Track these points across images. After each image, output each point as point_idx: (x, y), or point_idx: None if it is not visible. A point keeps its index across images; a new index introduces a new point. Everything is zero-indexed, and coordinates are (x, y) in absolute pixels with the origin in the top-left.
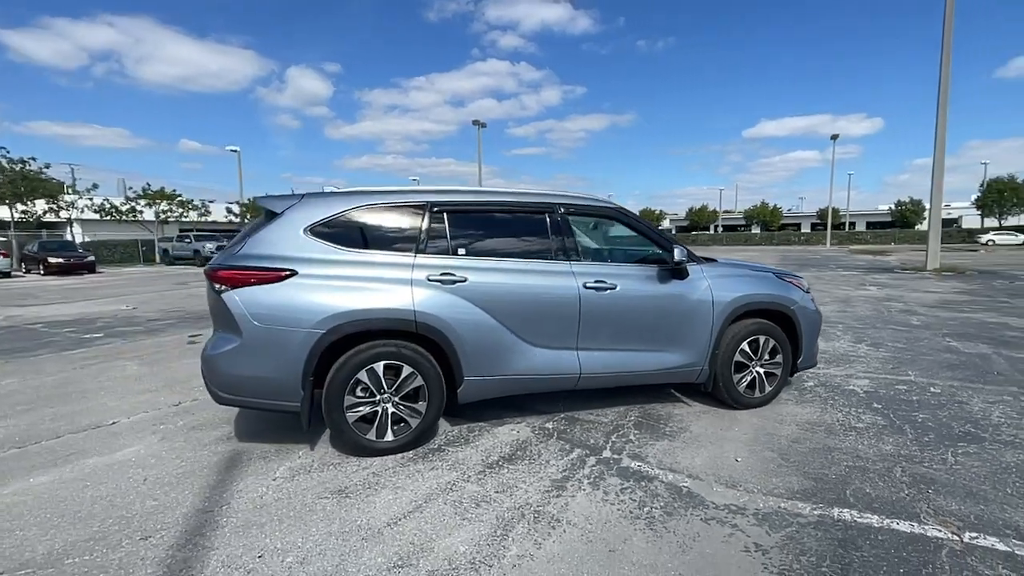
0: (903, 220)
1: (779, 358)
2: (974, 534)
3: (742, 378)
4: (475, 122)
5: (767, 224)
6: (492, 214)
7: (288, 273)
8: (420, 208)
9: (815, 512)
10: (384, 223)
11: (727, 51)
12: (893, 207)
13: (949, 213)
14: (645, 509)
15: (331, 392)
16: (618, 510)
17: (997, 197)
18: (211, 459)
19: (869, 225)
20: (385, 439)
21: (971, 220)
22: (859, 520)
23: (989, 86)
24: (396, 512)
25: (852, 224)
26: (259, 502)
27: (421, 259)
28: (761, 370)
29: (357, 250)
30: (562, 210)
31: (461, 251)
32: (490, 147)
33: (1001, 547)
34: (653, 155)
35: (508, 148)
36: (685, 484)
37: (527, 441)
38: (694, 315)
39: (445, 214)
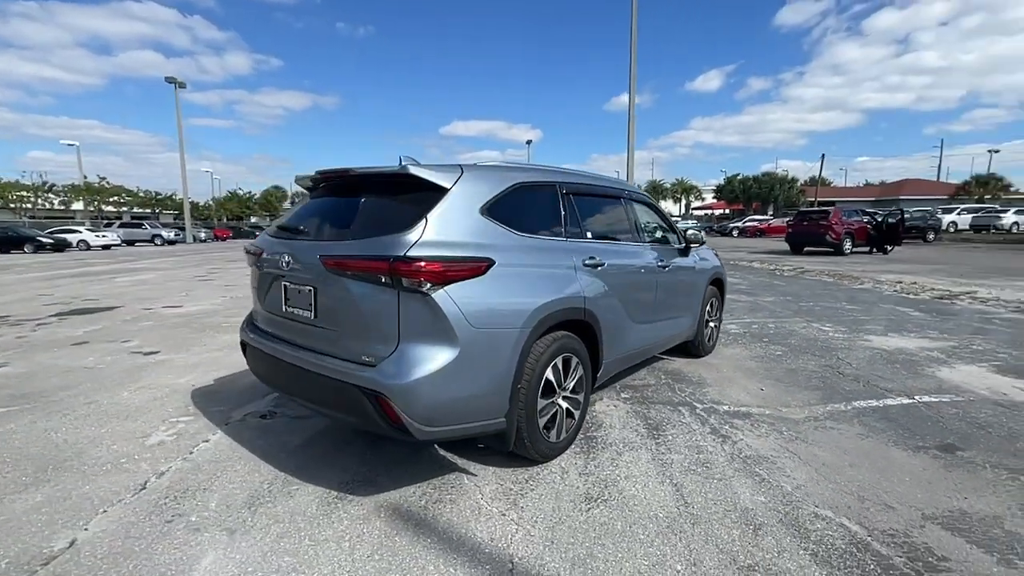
0: None
1: (718, 313)
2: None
3: (708, 332)
4: (169, 79)
5: None
6: (596, 197)
7: (488, 263)
8: (556, 189)
9: (811, 394)
10: (535, 204)
11: (424, 49)
12: None
13: None
14: (740, 423)
15: (529, 396)
16: (748, 431)
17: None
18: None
19: None
20: (560, 438)
21: None
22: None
23: (603, 114)
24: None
25: None
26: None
27: (570, 243)
28: (712, 324)
29: (525, 234)
30: (626, 194)
31: (588, 234)
32: (155, 111)
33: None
34: (361, 142)
35: (185, 116)
36: (745, 408)
37: (632, 411)
38: (695, 285)
39: (572, 196)
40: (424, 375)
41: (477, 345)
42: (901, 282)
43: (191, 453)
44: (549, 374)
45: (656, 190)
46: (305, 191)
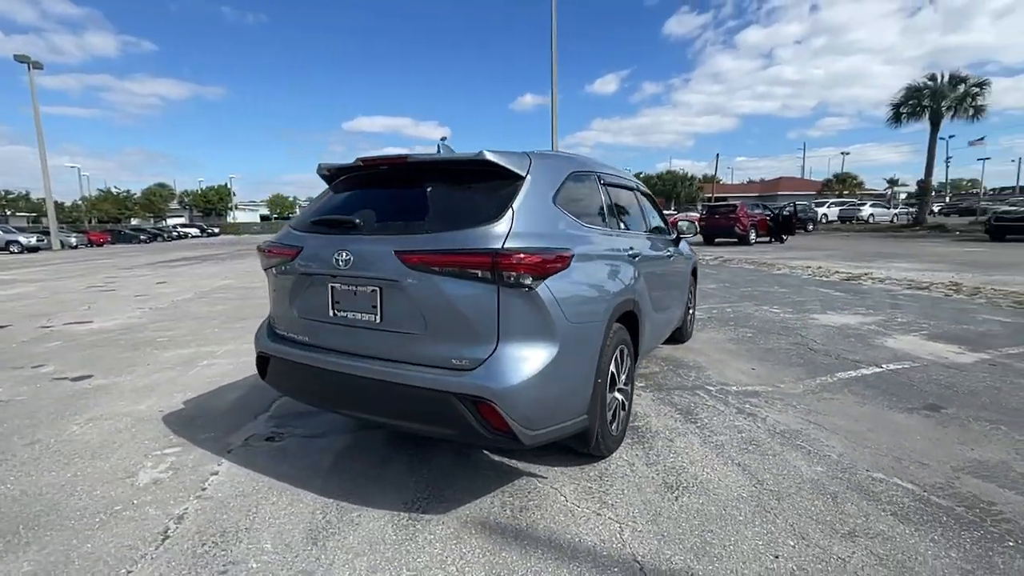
0: None
1: (694, 300)
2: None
3: (690, 318)
4: (20, 58)
5: None
6: (620, 188)
7: (571, 255)
8: (596, 179)
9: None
10: (586, 193)
11: (322, 42)
12: None
13: None
14: (751, 400)
15: (604, 391)
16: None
17: None
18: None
19: None
20: (619, 431)
21: None
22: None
23: (510, 113)
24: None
25: None
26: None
27: (617, 234)
28: (692, 310)
29: (584, 224)
30: (635, 185)
31: (622, 225)
32: None
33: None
34: (255, 138)
35: (30, 103)
36: (751, 387)
37: (656, 399)
38: (685, 274)
39: (607, 187)
40: (531, 375)
41: (571, 340)
42: (810, 267)
43: (203, 489)
44: (612, 367)
45: None
46: (326, 178)
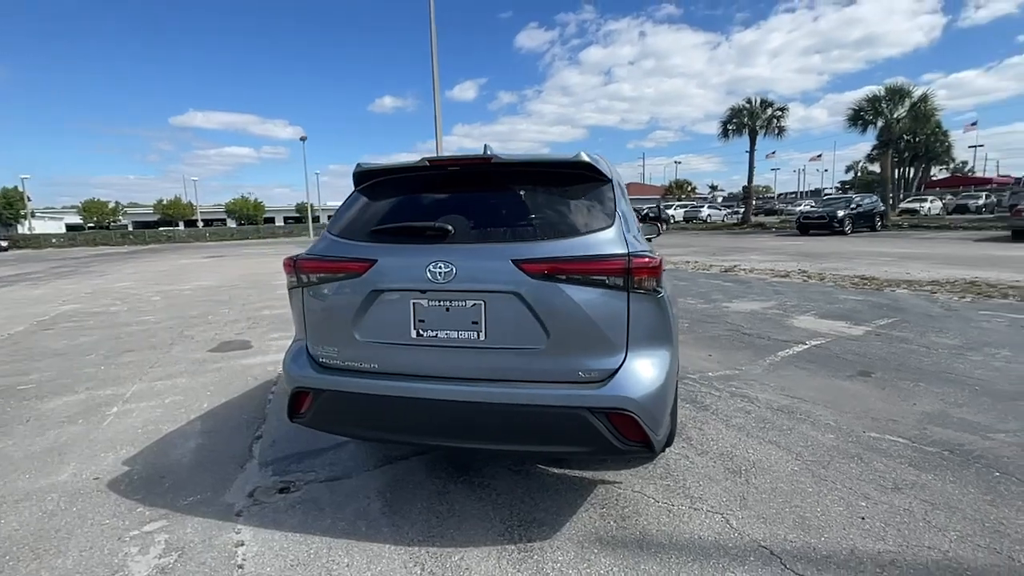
0: None
1: None
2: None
3: None
4: None
5: (251, 218)
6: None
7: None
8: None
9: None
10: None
11: (142, 27)
12: None
13: None
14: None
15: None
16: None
17: None
18: None
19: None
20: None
21: None
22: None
23: (369, 115)
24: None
25: (319, 217)
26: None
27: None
28: None
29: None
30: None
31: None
32: None
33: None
34: (59, 132)
35: None
36: (722, 372)
37: None
38: None
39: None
40: (662, 381)
41: (676, 342)
42: (688, 261)
43: (240, 567)
44: None
45: None
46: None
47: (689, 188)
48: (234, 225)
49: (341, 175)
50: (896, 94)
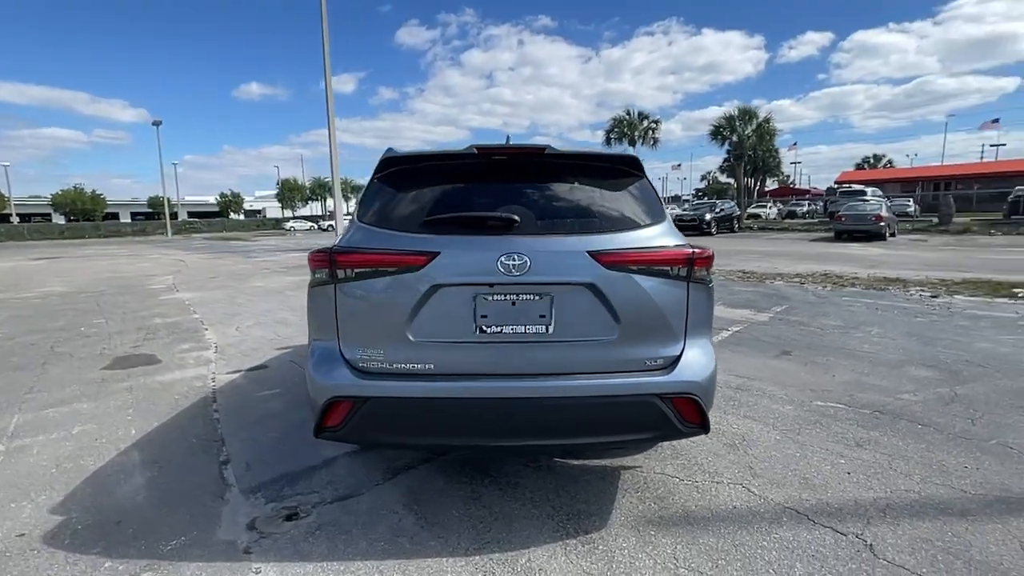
0: (226, 210)
1: None
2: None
3: None
4: None
5: (87, 213)
6: None
7: None
8: None
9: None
10: None
11: None
12: (219, 198)
13: (252, 205)
14: None
15: None
16: None
17: (289, 194)
18: None
19: (192, 215)
20: None
21: (273, 211)
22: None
23: (233, 102)
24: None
25: (177, 213)
26: None
27: None
28: None
29: None
30: None
31: None
32: None
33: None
34: None
35: None
36: None
37: None
38: None
39: None
40: (714, 365)
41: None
42: None
43: None
44: None
45: (323, 187)
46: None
47: None
48: (63, 221)
49: (201, 167)
50: (746, 114)
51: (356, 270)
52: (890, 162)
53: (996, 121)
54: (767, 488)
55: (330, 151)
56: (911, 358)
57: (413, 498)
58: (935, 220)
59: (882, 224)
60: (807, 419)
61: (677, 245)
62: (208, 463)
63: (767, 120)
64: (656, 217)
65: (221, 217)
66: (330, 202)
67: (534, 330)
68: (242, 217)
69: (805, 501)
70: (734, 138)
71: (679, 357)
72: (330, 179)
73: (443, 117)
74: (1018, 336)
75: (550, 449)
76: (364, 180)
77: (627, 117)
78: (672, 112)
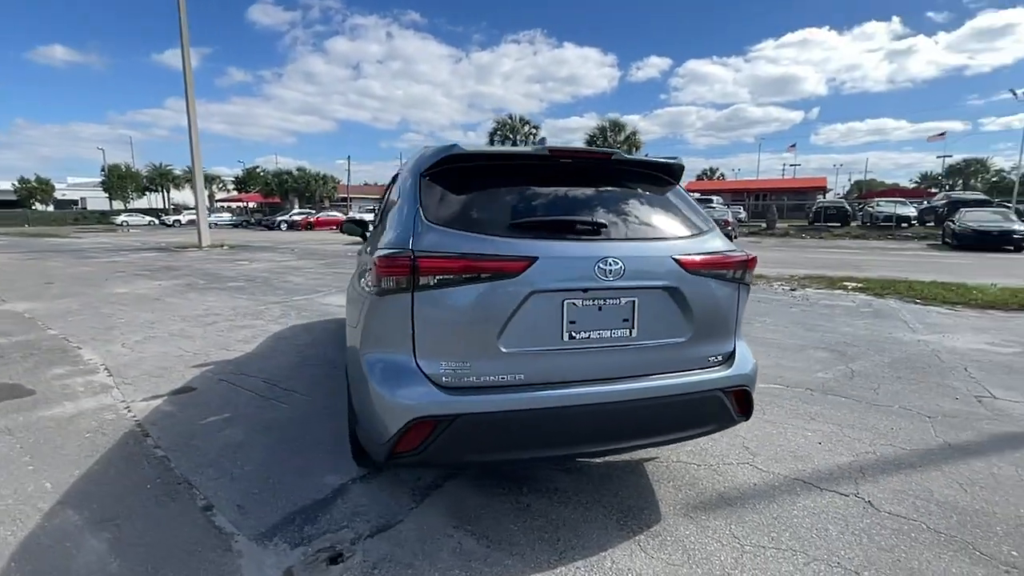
0: (29, 200)
1: None
2: None
3: None
4: None
5: None
6: None
7: None
8: None
9: None
10: None
11: None
12: (19, 184)
13: (65, 194)
14: None
15: None
16: None
17: (119, 182)
18: None
19: None
20: None
21: (97, 202)
22: None
23: (23, 63)
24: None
25: None
26: None
27: None
28: None
29: None
30: None
31: None
32: None
33: None
34: None
35: None
36: None
37: None
38: None
39: None
40: (753, 357)
41: None
42: None
43: None
44: None
45: (165, 176)
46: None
47: None
48: None
49: None
50: (616, 126)
51: (441, 276)
52: (722, 175)
53: (794, 146)
54: (769, 464)
55: (190, 136)
56: (807, 343)
57: (460, 518)
58: (764, 225)
59: (729, 228)
60: (762, 401)
61: (734, 250)
62: (184, 511)
63: (634, 133)
64: (709, 223)
65: (23, 208)
66: (176, 194)
67: (619, 334)
68: (51, 208)
69: (803, 471)
70: (606, 148)
71: (733, 352)
72: (172, 167)
73: (305, 106)
74: (865, 320)
75: (629, 451)
76: (220, 170)
77: (510, 121)
78: (539, 119)
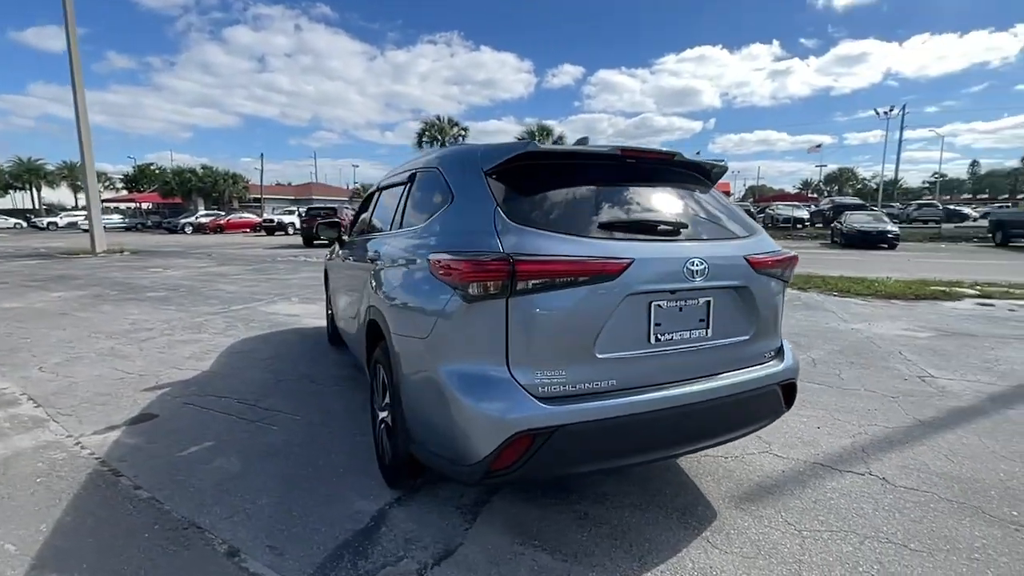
0: None
1: None
2: None
3: None
4: None
5: None
6: None
7: None
8: None
9: None
10: None
11: None
12: None
13: None
14: None
15: None
16: None
17: None
18: None
19: None
20: None
21: None
22: None
23: None
24: None
25: None
26: None
27: None
28: None
29: None
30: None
31: None
32: None
33: None
34: None
35: None
36: None
37: None
38: None
39: None
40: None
41: None
42: None
43: None
44: None
45: (35, 173)
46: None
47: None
48: None
49: None
50: (544, 130)
51: (541, 280)
52: None
53: (698, 154)
54: (786, 451)
55: (78, 126)
56: None
57: (522, 533)
58: None
59: None
60: None
61: (784, 249)
62: (205, 560)
63: (561, 137)
64: (757, 223)
65: None
66: (48, 192)
67: (696, 334)
68: None
69: (816, 455)
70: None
71: (781, 348)
72: (43, 161)
73: (203, 98)
74: (802, 313)
75: (704, 450)
76: (103, 166)
77: (438, 122)
78: (458, 122)
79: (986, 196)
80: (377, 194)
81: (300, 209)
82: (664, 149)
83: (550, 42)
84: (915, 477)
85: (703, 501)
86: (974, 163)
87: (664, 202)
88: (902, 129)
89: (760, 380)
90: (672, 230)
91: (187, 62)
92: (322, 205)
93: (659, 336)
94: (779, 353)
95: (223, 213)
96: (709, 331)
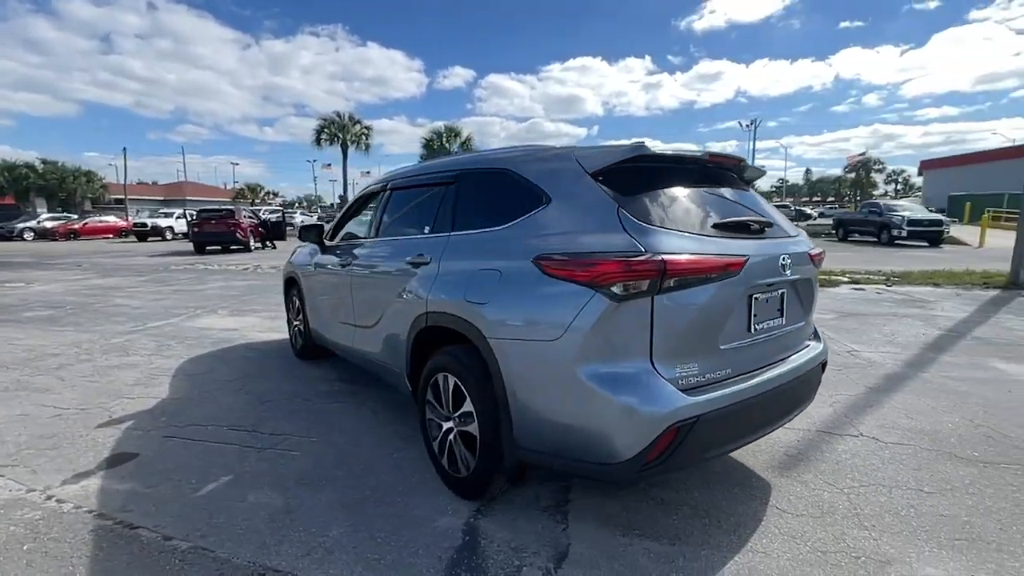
0: None
1: None
2: None
3: None
4: None
5: None
6: None
7: None
8: None
9: None
10: None
11: None
12: None
13: None
14: None
15: None
16: None
17: None
18: None
19: None
20: None
21: None
22: None
23: None
24: None
25: None
26: None
27: None
28: None
29: None
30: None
31: None
32: None
33: None
34: None
35: None
36: None
37: None
38: None
39: None
40: None
41: None
42: None
43: None
44: None
45: None
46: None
47: (264, 193)
48: None
49: None
50: (452, 131)
51: (683, 278)
52: None
53: None
54: (792, 423)
55: None
56: None
57: (618, 526)
58: None
59: None
60: None
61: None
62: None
63: (469, 138)
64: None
65: None
66: None
67: (776, 322)
68: None
69: (814, 424)
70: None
71: (815, 330)
72: None
73: (30, 81)
74: None
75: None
76: None
77: (338, 119)
78: (360, 119)
79: (819, 199)
80: (385, 195)
81: (183, 212)
82: (735, 155)
83: (440, 41)
84: (896, 434)
85: (754, 475)
86: (808, 171)
87: (743, 202)
88: (754, 140)
89: (814, 359)
90: (759, 229)
91: (5, 37)
92: (216, 207)
93: (756, 326)
94: (816, 335)
95: (74, 216)
96: (784, 319)
